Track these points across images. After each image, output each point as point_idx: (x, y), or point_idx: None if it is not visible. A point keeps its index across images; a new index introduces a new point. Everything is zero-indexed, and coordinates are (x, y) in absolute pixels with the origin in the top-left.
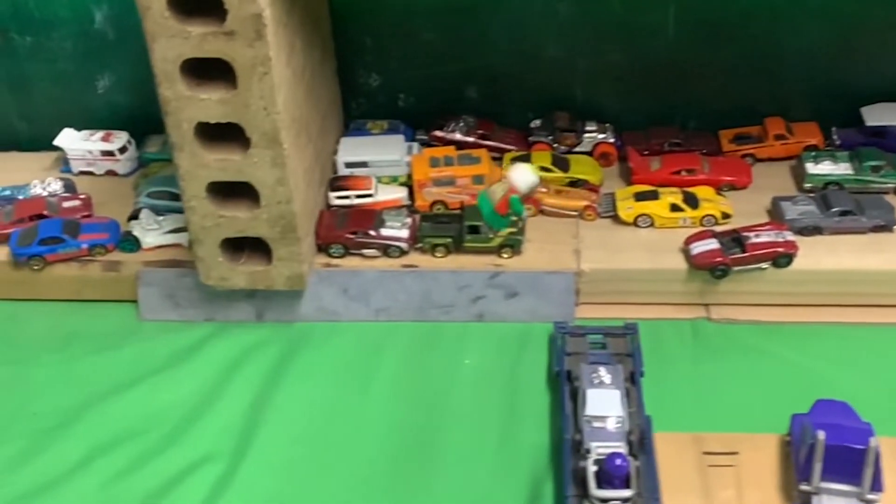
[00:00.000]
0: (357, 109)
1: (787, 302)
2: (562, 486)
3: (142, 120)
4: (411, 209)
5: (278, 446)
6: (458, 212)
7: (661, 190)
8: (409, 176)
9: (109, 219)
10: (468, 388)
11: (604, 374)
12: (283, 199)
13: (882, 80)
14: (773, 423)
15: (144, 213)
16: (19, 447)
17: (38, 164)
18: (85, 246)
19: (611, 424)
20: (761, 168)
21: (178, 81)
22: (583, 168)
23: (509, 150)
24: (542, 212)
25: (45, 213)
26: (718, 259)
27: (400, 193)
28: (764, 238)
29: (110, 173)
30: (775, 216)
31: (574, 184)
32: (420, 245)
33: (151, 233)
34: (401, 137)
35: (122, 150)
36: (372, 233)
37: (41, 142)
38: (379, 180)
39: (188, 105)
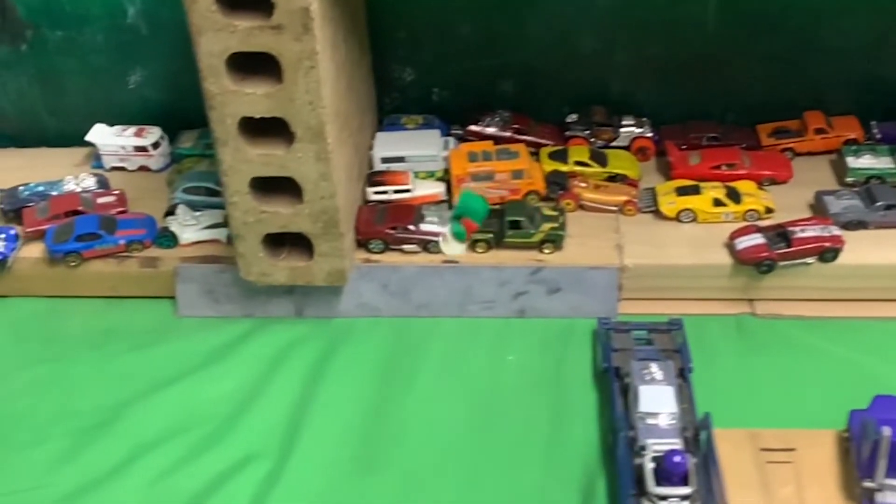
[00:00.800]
0: (390, 104)
1: (831, 297)
2: (617, 484)
3: (173, 115)
4: (450, 204)
5: (324, 444)
6: (497, 207)
7: (702, 185)
8: (446, 171)
9: (145, 215)
10: (513, 384)
11: (655, 370)
12: (326, 195)
13: None
14: (823, 418)
15: (181, 209)
16: (62, 446)
17: (67, 160)
18: (122, 242)
19: (665, 421)
20: (800, 162)
21: (223, 76)
22: (621, 163)
23: (545, 145)
24: (581, 207)
25: (80, 209)
26: (764, 254)
27: (438, 189)
28: (810, 233)
29: (143, 169)
30: (818, 211)
31: (612, 178)
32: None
33: (189, 228)
34: (437, 132)
35: (156, 145)
36: (412, 228)
37: (70, 137)
38: (415, 175)
39: (233, 100)
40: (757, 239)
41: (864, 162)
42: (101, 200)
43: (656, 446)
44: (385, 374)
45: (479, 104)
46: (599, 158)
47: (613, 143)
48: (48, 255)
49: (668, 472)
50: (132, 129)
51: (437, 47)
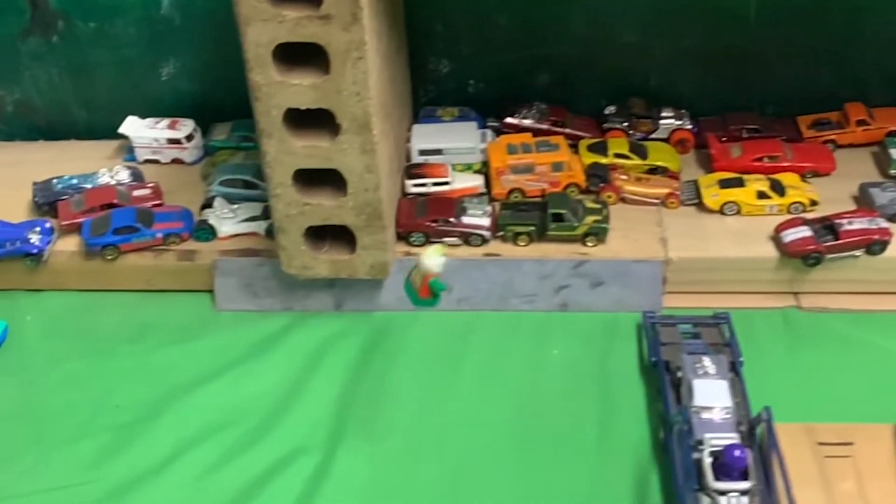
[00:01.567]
0: (425, 96)
1: (878, 290)
2: (673, 479)
3: (205, 107)
4: (490, 197)
5: (371, 438)
6: (538, 200)
7: (745, 177)
8: (484, 163)
9: (182, 207)
10: (558, 378)
11: (708, 364)
12: (370, 187)
13: None
14: (874, 412)
15: (218, 202)
16: (105, 441)
17: (98, 153)
18: (159, 235)
19: (719, 415)
20: (841, 154)
21: (270, 66)
22: (661, 155)
23: (583, 138)
24: (623, 200)
25: (115, 201)
26: (812, 247)
27: (476, 181)
28: (857, 225)
29: (176, 161)
30: (863, 203)
31: (653, 171)
32: (501, 233)
33: (227, 221)
34: (474, 124)
35: (189, 137)
36: (453, 221)
37: (100, 130)
38: (453, 168)
39: (279, 91)
40: (804, 231)
41: None
42: (136, 193)
43: (714, 441)
44: (428, 367)
45: (515, 96)
46: (639, 151)
47: (652, 136)
48: (85, 249)
49: (728, 466)
50: (165, 122)
51: (474, 39)
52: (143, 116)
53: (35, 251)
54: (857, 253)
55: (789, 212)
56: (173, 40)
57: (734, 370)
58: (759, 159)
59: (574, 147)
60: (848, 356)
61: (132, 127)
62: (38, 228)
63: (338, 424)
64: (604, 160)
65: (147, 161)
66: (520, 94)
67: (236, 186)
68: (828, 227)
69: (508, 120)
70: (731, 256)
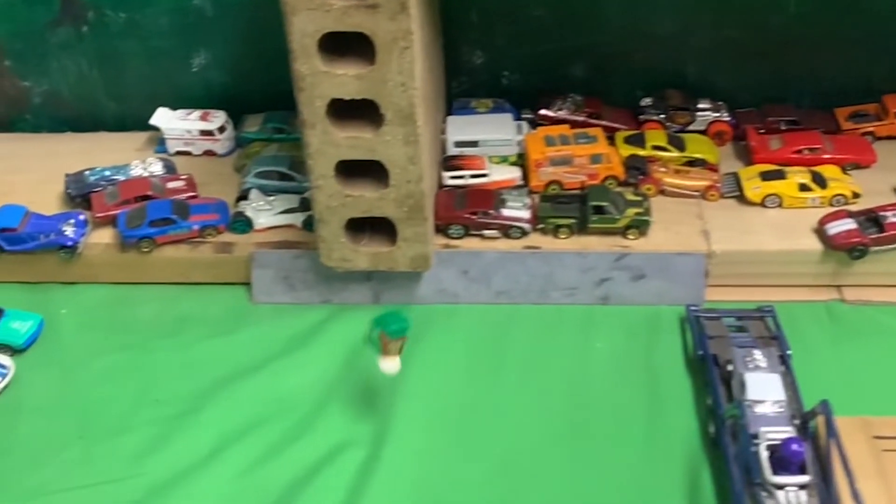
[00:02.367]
0: (458, 87)
1: None
2: (727, 473)
3: (235, 98)
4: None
5: (417, 433)
6: (578, 192)
7: (786, 169)
8: (520, 155)
9: (217, 199)
10: (604, 372)
11: (759, 357)
12: (413, 179)
13: None
14: None
15: (254, 194)
16: (147, 435)
17: (128, 145)
18: (196, 227)
19: (773, 409)
20: (880, 146)
21: (314, 56)
22: (699, 147)
23: (619, 129)
24: (662, 192)
25: (150, 193)
26: (857, 239)
27: (514, 173)
28: None
29: (208, 153)
30: None
31: (691, 163)
32: (541, 226)
33: (263, 213)
34: (509, 116)
35: (221, 129)
36: (493, 213)
37: (128, 121)
38: (489, 160)
39: (323, 81)
40: (848, 224)
41: None
42: (170, 185)
43: (770, 434)
44: (470, 361)
45: (548, 87)
46: (678, 143)
47: (689, 128)
48: (121, 241)
49: (785, 460)
50: (197, 113)
51: (509, 29)
52: (174, 108)
53: (70, 243)
54: None
55: (831, 204)
56: (205, 31)
57: (784, 363)
58: (799, 151)
59: (610, 139)
60: (894, 349)
61: (163, 118)
62: (72, 220)
63: (383, 418)
64: (642, 152)
65: (178, 153)
66: (554, 85)
67: (272, 178)
68: (872, 219)
69: (543, 112)
70: (774, 249)
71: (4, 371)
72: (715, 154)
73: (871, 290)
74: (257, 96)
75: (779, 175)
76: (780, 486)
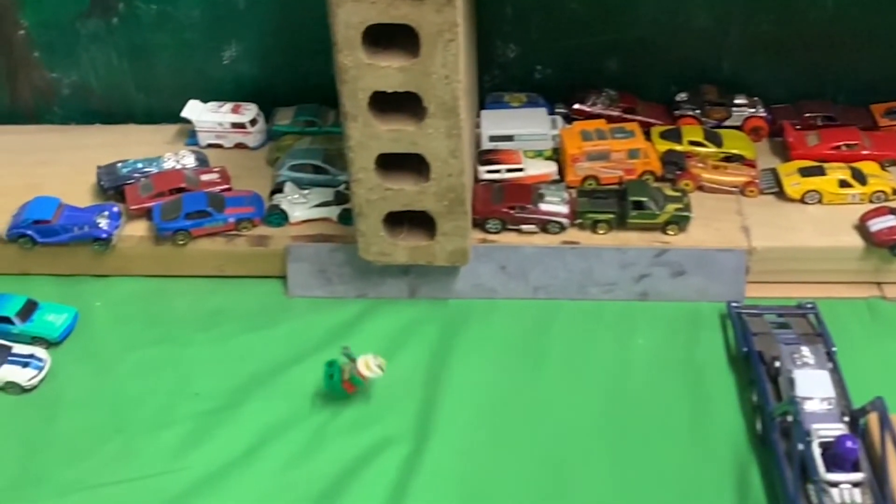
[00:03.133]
0: (490, 81)
1: None
2: (777, 470)
3: (265, 91)
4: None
5: (461, 428)
6: (616, 187)
7: (826, 165)
8: (555, 150)
9: (252, 192)
10: (646, 368)
11: (807, 354)
12: (454, 172)
13: None
14: None
15: (289, 187)
16: (187, 429)
17: (158, 137)
18: (231, 220)
19: (822, 406)
20: None
21: (358, 49)
22: (736, 143)
23: (654, 125)
24: (700, 188)
25: (184, 186)
26: None
27: (550, 168)
28: None
29: (239, 146)
30: None
31: (727, 159)
32: (579, 221)
33: (299, 206)
34: (543, 111)
35: (253, 122)
36: (531, 208)
37: (157, 114)
38: (524, 154)
39: (367, 73)
40: (891, 220)
41: None
42: (204, 178)
43: (821, 431)
44: (511, 356)
45: (582, 82)
46: (714, 138)
47: (725, 123)
48: (156, 233)
49: (839, 457)
50: (228, 106)
51: (543, 23)
52: (203, 100)
53: (104, 236)
54: None
55: (871, 201)
56: (236, 24)
57: (830, 360)
58: (837, 147)
59: (645, 134)
60: None
61: (195, 111)
62: (106, 213)
63: (425, 413)
64: (678, 148)
65: (210, 146)
66: (587, 80)
67: (306, 171)
68: None
69: (577, 106)
70: (816, 246)
71: (41, 364)
72: (752, 150)
73: None
74: (288, 89)
75: (818, 171)
76: (835, 484)
